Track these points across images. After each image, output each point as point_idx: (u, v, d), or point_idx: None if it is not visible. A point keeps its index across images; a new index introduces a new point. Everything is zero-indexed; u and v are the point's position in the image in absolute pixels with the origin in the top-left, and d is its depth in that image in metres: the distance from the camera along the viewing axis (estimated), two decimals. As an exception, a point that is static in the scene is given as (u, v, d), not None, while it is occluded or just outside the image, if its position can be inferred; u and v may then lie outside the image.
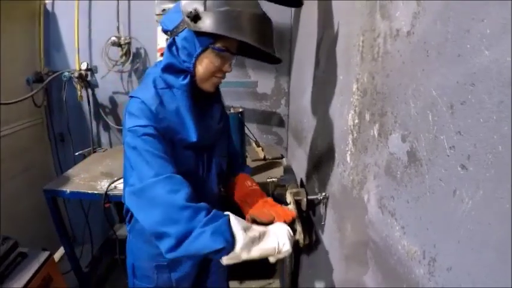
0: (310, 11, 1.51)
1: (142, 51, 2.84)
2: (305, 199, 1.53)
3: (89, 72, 2.85)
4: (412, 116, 0.78)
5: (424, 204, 0.74)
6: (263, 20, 1.19)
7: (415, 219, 0.77)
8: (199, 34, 1.15)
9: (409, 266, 0.80)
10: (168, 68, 1.25)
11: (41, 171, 2.99)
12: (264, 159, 2.46)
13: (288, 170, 2.06)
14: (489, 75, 0.53)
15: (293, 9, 2.59)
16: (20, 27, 2.75)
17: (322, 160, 1.60)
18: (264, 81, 2.81)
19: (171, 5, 2.52)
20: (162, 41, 2.64)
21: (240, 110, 2.03)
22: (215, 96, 1.43)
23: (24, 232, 2.51)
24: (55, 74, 2.71)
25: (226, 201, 1.57)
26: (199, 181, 1.37)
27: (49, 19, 2.94)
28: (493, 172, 0.53)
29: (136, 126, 1.17)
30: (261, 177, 2.14)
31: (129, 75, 2.92)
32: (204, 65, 1.21)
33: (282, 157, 2.59)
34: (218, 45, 1.18)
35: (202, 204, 1.10)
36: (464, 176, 0.60)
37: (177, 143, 1.27)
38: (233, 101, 2.82)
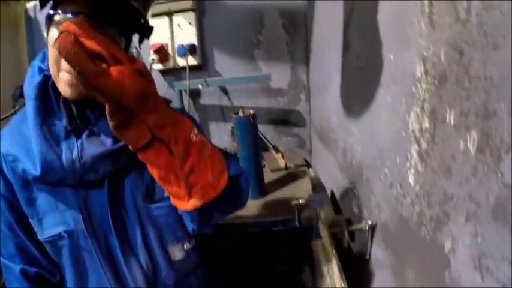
0: None
1: (134, 50, 2.51)
2: (346, 232, 1.16)
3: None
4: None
5: None
6: None
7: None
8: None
9: None
10: (30, 67, 0.97)
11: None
12: (285, 168, 2.11)
13: (318, 186, 1.71)
14: None
15: None
16: (1, 36, 2.51)
17: (363, 174, 1.26)
18: (278, 73, 2.49)
19: None
20: (153, 36, 2.34)
21: (251, 112, 1.67)
22: None
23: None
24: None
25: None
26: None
27: (32, 26, 2.70)
28: None
29: None
30: (283, 194, 1.81)
31: (121, 77, 2.61)
32: (50, 49, 0.85)
33: (307, 163, 2.26)
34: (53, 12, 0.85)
35: None
36: None
37: (29, 182, 0.94)
38: (243, 100, 2.54)
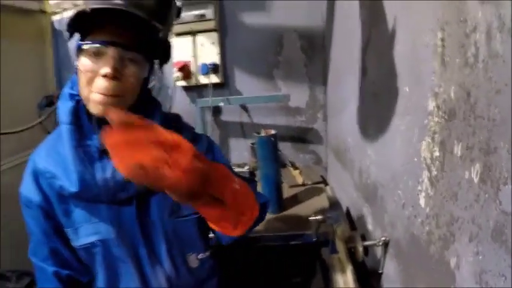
0: (347, 8, 1.23)
1: (157, 66, 2.59)
2: (361, 247, 1.21)
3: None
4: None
5: None
6: None
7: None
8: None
9: None
10: (61, 96, 1.02)
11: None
12: (303, 184, 2.15)
13: (334, 203, 1.76)
14: None
15: (325, 8, 2.32)
16: (28, 47, 2.59)
17: (378, 194, 1.30)
18: (297, 93, 2.52)
19: (184, 14, 2.30)
20: (177, 54, 2.42)
21: (272, 132, 1.73)
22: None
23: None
24: (65, 99, 2.50)
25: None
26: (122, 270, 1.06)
27: (57, 37, 2.77)
28: None
29: (20, 191, 1.03)
30: (301, 209, 1.85)
31: (145, 94, 2.68)
32: (80, 75, 0.93)
33: (323, 180, 2.28)
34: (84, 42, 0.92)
35: None
36: None
37: (66, 196, 0.99)
38: (262, 117, 2.60)
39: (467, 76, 0.68)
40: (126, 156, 0.67)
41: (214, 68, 2.47)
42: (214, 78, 2.47)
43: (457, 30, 0.71)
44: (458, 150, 0.72)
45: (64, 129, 0.97)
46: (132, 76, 0.93)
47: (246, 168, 2.44)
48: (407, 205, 1.03)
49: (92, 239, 1.01)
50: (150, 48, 0.98)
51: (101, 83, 0.89)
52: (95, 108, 0.92)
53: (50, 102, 2.63)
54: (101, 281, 1.06)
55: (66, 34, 0.95)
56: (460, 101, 0.71)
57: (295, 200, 1.97)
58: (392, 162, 1.13)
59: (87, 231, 1.01)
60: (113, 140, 0.68)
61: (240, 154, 2.70)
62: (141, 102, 1.03)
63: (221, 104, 2.40)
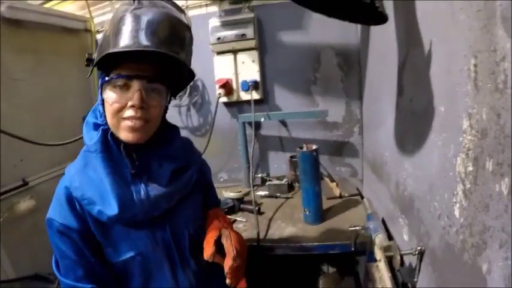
0: (384, 27, 1.29)
1: (199, 83, 2.74)
2: (398, 256, 1.27)
3: (145, 109, 2.76)
4: None
5: None
6: (139, 18, 0.99)
7: None
8: (100, 78, 1.07)
9: None
10: (85, 125, 1.15)
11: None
12: (340, 196, 2.21)
13: (372, 214, 1.81)
14: None
15: (359, 26, 2.37)
16: (74, 63, 2.77)
17: (414, 205, 1.35)
18: (334, 108, 2.57)
19: (226, 33, 2.44)
20: (219, 71, 2.53)
21: (314, 147, 1.81)
22: (160, 152, 1.17)
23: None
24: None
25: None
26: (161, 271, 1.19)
27: None
28: None
29: (52, 218, 1.08)
30: (339, 221, 1.92)
31: (188, 109, 2.81)
32: (107, 106, 1.05)
33: (359, 193, 2.33)
34: (110, 77, 1.04)
35: None
36: None
37: (104, 219, 1.07)
38: (301, 131, 2.67)
39: (497, 100, 0.75)
40: None
41: (254, 85, 2.56)
42: (254, 95, 2.55)
43: (488, 58, 0.78)
44: (489, 165, 0.79)
45: (97, 157, 1.06)
46: (156, 105, 1.06)
47: (284, 181, 2.51)
48: (443, 216, 1.08)
49: (132, 253, 1.12)
50: (171, 77, 1.11)
51: (129, 113, 1.02)
52: (124, 135, 1.05)
53: (95, 115, 2.80)
54: (135, 284, 1.17)
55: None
56: (491, 122, 0.78)
57: (334, 211, 2.04)
58: (429, 176, 1.18)
59: (126, 247, 1.12)
60: None
61: (279, 167, 2.77)
62: (163, 127, 1.17)
63: (262, 119, 2.48)
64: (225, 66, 2.61)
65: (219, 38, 2.51)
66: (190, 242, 1.22)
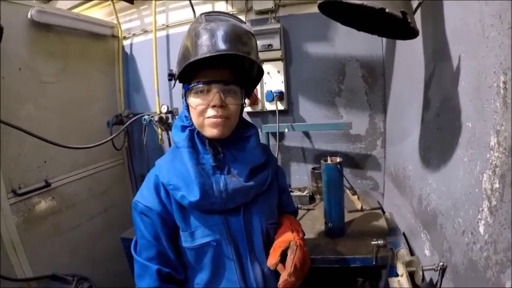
0: (410, 41, 1.29)
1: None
2: (421, 272, 1.26)
3: (169, 115, 2.84)
4: None
5: None
6: (212, 30, 1.13)
7: None
8: (183, 88, 1.25)
9: None
10: (174, 127, 1.31)
11: (120, 212, 2.98)
12: (361, 209, 2.20)
13: (394, 229, 1.79)
14: None
15: (385, 39, 2.38)
16: (100, 68, 2.86)
17: (438, 221, 1.34)
18: (358, 120, 2.57)
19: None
20: None
21: (338, 159, 1.82)
22: (240, 148, 1.31)
23: (100, 272, 2.55)
24: (134, 118, 2.75)
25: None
26: (232, 260, 1.26)
27: (127, 60, 3.04)
28: None
29: (137, 201, 1.24)
30: (360, 235, 1.91)
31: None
32: (192, 110, 1.22)
33: (380, 206, 2.31)
34: (192, 84, 1.20)
35: None
36: None
37: (185, 205, 1.21)
38: (323, 143, 2.67)
39: (526, 118, 0.75)
40: None
41: (279, 95, 2.58)
42: (278, 105, 2.57)
43: (517, 76, 0.78)
44: (517, 183, 0.79)
45: (184, 151, 1.22)
46: (233, 103, 1.20)
47: (306, 192, 2.51)
48: (467, 232, 1.07)
49: (207, 239, 1.23)
50: (243, 77, 1.26)
51: (211, 112, 1.18)
52: (209, 131, 1.21)
53: (118, 121, 2.87)
54: (204, 274, 1.26)
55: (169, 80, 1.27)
56: (519, 139, 0.78)
57: (355, 224, 2.03)
58: (453, 192, 1.18)
59: (203, 233, 1.23)
60: None
61: (301, 178, 2.77)
62: (241, 125, 1.31)
63: (286, 130, 2.49)
64: (251, 76, 2.62)
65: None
66: (263, 239, 1.30)
